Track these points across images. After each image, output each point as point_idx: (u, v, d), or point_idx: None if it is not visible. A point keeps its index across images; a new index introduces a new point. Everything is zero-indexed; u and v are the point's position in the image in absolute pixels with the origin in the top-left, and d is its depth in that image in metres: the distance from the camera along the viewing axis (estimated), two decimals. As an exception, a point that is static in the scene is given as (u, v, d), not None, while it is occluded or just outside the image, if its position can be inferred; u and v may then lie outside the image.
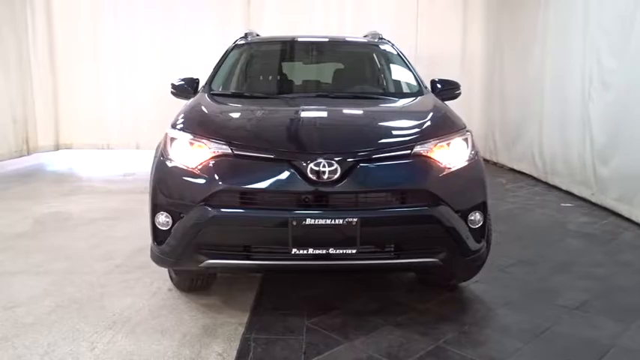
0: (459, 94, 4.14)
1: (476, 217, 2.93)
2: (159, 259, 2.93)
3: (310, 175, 2.63)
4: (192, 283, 3.33)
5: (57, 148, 9.46)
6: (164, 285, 3.52)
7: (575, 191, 6.26)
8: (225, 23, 8.83)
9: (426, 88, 3.91)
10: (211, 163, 2.75)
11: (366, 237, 2.65)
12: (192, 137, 2.88)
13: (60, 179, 7.56)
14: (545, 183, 7.04)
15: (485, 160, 9.00)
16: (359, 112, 3.40)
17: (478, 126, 9.35)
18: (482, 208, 2.95)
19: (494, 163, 8.84)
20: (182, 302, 3.33)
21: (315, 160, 2.64)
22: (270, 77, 4.37)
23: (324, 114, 3.33)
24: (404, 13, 9.26)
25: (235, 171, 2.72)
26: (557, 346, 2.82)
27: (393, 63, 4.26)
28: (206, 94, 3.68)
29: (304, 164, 2.64)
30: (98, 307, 3.26)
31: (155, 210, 2.86)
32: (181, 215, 2.75)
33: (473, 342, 2.84)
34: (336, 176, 2.63)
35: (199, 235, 2.71)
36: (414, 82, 3.97)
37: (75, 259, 4.12)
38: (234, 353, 2.70)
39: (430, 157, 2.82)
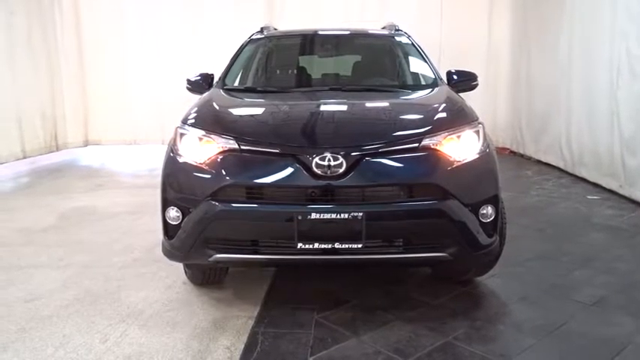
0: (476, 85, 4.06)
1: (487, 211, 2.87)
2: (170, 253, 2.96)
3: (316, 170, 2.62)
4: (205, 276, 3.36)
5: (86, 144, 9.67)
6: (179, 278, 3.57)
7: (603, 183, 6.08)
8: (247, 18, 8.85)
9: (441, 79, 3.84)
10: (219, 158, 2.77)
11: (372, 231, 2.63)
12: (200, 133, 2.91)
13: (88, 175, 7.74)
14: (573, 175, 6.86)
15: (511, 152, 8.96)
16: (369, 105, 3.36)
17: (504, 117, 9.20)
18: (494, 201, 2.89)
19: (521, 155, 8.66)
20: (195, 296, 3.37)
21: (321, 154, 2.62)
22: (285, 71, 4.36)
23: (334, 108, 3.31)
24: (428, 4, 9.12)
25: (242, 166, 2.73)
26: (571, 343, 2.75)
27: (408, 55, 4.20)
28: (219, 90, 3.70)
29: (310, 159, 2.63)
30: (114, 300, 3.33)
31: (165, 205, 2.90)
32: (190, 210, 2.78)
33: (483, 338, 2.79)
34: (341, 170, 2.62)
35: (207, 230, 2.73)
36: (429, 74, 3.91)
37: (95, 253, 4.21)
38: (242, 347, 2.72)
39: (439, 150, 2.77)
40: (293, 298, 3.30)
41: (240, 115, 3.10)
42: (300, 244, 2.63)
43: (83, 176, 7.60)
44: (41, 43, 8.53)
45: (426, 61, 4.02)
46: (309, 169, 2.62)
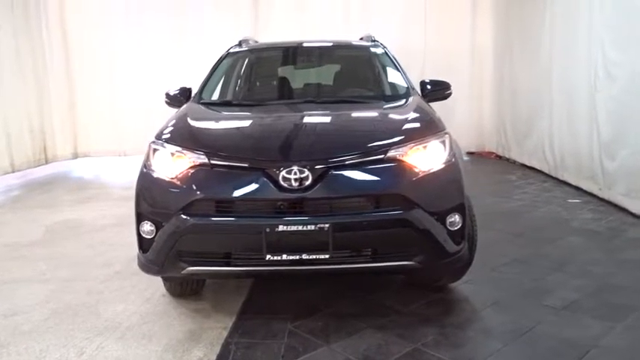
0: (450, 94, 4.14)
1: (454, 219, 2.93)
2: (145, 266, 3.02)
3: (282, 183, 2.68)
4: (183, 288, 3.41)
5: (75, 156, 9.71)
6: (157, 290, 3.61)
7: (584, 186, 6.16)
8: (233, 31, 8.91)
9: (413, 89, 3.91)
10: (190, 173, 2.83)
11: (339, 242, 2.69)
12: (173, 148, 2.97)
13: (76, 187, 7.78)
14: (556, 179, 6.94)
15: (497, 156, 9.04)
16: (339, 117, 3.43)
17: (490, 121, 9.30)
18: (461, 210, 2.95)
19: (507, 159, 8.74)
20: (173, 307, 3.42)
21: (288, 167, 2.69)
22: (261, 84, 4.44)
23: (304, 121, 3.38)
24: (412, 10, 9.21)
25: (211, 180, 2.79)
26: (538, 347, 2.80)
27: (382, 65, 4.27)
28: (194, 104, 3.77)
29: (277, 172, 2.70)
30: (92, 313, 3.37)
31: (139, 219, 2.95)
32: (163, 224, 2.84)
33: (452, 344, 2.85)
34: (307, 183, 2.68)
35: (179, 243, 2.79)
36: (402, 85, 3.98)
37: (78, 267, 4.26)
38: (214, 357, 2.77)
39: (404, 161, 2.84)
40: (268, 308, 3.35)
41: (212, 130, 3.16)
42: (268, 256, 2.69)
43: (72, 189, 7.65)
44: (28, 57, 8.58)
45: (399, 72, 4.09)
46: (276, 183, 2.69)
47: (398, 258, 2.83)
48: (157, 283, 3.63)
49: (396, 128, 3.09)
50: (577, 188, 6.31)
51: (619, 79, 5.34)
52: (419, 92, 4.00)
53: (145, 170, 2.99)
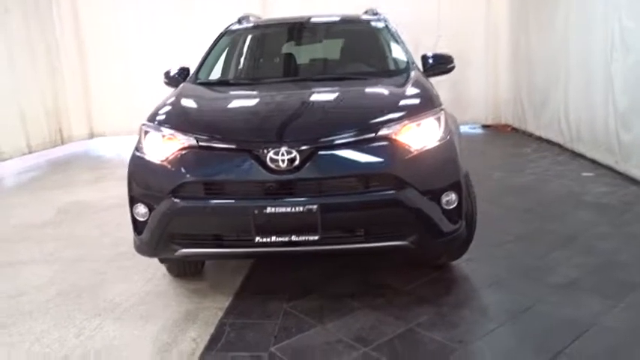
0: (453, 67, 4.02)
1: (450, 197, 2.87)
2: (139, 248, 3.04)
3: (270, 164, 2.65)
4: (181, 268, 3.44)
5: (91, 136, 9.82)
6: (159, 271, 3.64)
7: (600, 159, 5.99)
8: (243, 7, 8.80)
9: (414, 64, 3.81)
10: (179, 155, 2.81)
11: (328, 223, 2.66)
12: (163, 130, 2.95)
13: (90, 167, 7.89)
14: (571, 151, 6.76)
15: (513, 128, 8.84)
16: (331, 95, 3.36)
17: (506, 94, 9.08)
18: (456, 188, 2.88)
19: (523, 132, 8.54)
20: (172, 288, 3.46)
21: (275, 148, 2.65)
22: (257, 62, 4.38)
23: (296, 99, 3.32)
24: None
25: (200, 162, 2.77)
26: (534, 326, 2.75)
27: (382, 40, 4.17)
28: (190, 84, 3.74)
29: (264, 153, 2.66)
30: (94, 294, 3.43)
31: (132, 202, 2.96)
32: (154, 207, 2.84)
33: (447, 324, 2.82)
34: (295, 164, 2.64)
35: (170, 226, 2.79)
36: (402, 59, 3.88)
37: (85, 247, 4.33)
38: (208, 338, 2.79)
39: (396, 139, 2.77)
40: (266, 288, 3.36)
41: (202, 111, 3.13)
42: (257, 238, 2.68)
43: (86, 169, 7.76)
44: (40, 39, 8.65)
45: (400, 46, 3.98)
46: (264, 164, 2.66)
47: (391, 238, 2.79)
48: (158, 263, 3.66)
49: (389, 106, 3.02)
50: (593, 161, 6.14)
51: (635, 48, 5.13)
52: (420, 67, 3.89)
53: (136, 153, 2.99)
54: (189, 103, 3.25)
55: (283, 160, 2.64)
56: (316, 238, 2.66)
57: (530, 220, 4.40)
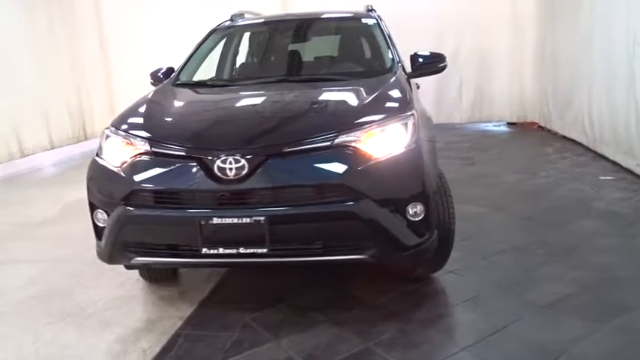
0: (444, 67, 3.80)
1: (416, 209, 2.68)
2: (99, 254, 2.98)
3: (218, 173, 2.53)
4: (152, 274, 3.38)
5: (114, 132, 9.94)
6: (134, 275, 3.58)
7: (621, 162, 5.61)
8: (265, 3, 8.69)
9: (399, 64, 3.60)
10: (133, 161, 2.73)
11: (277, 235, 2.52)
12: (121, 135, 2.88)
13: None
14: (594, 152, 6.38)
15: (540, 127, 8.42)
16: (297, 99, 3.20)
17: (532, 91, 8.67)
18: (422, 199, 2.69)
19: (549, 131, 8.14)
20: (142, 293, 3.41)
21: (223, 157, 2.54)
22: (239, 63, 4.26)
23: (258, 104, 3.20)
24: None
25: (150, 170, 2.68)
26: (499, 351, 2.55)
27: (369, 39, 3.99)
28: (166, 85, 3.66)
29: (212, 162, 2.55)
30: (67, 297, 3.40)
31: (91, 207, 2.91)
32: (109, 213, 2.78)
33: (407, 344, 2.64)
34: (243, 173, 2.52)
35: (122, 234, 2.72)
36: (387, 59, 3.68)
37: (75, 247, 4.31)
38: (158, 349, 2.71)
39: (355, 147, 2.60)
40: (233, 297, 3.27)
41: (161, 116, 3.03)
42: (204, 249, 2.57)
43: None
44: (63, 37, 8.78)
45: (387, 45, 3.78)
46: (211, 173, 2.54)
47: (347, 252, 2.63)
48: (134, 267, 3.63)
49: (354, 110, 2.84)
50: (614, 164, 5.77)
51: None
52: (406, 67, 3.69)
53: (95, 158, 2.93)
54: (153, 107, 3.16)
55: (231, 169, 2.51)
56: (264, 250, 2.53)
57: (532, 229, 4.14)
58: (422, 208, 2.69)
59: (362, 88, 3.16)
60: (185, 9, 9.33)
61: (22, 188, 6.70)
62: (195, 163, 2.59)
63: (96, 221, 2.92)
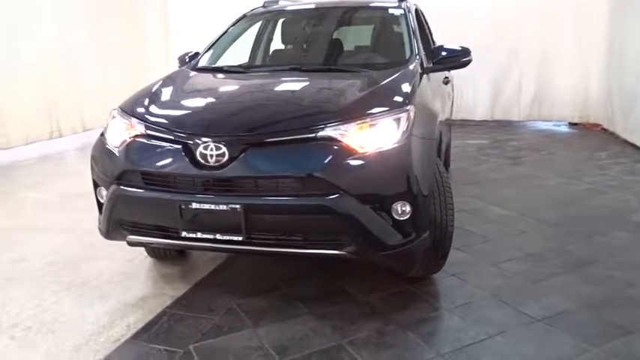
0: (468, 61, 3.63)
1: (402, 208, 2.60)
2: (99, 229, 3.10)
3: (199, 159, 2.57)
4: (155, 251, 3.49)
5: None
6: (144, 251, 3.72)
7: (679, 172, 5.17)
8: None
9: (417, 56, 3.47)
10: (129, 142, 2.82)
11: (254, 225, 2.53)
12: (124, 116, 2.97)
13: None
14: (654, 160, 5.92)
15: (603, 129, 7.90)
16: (295, 89, 3.16)
17: (596, 90, 8.13)
18: (409, 197, 2.60)
19: (612, 133, 7.62)
20: (146, 270, 3.53)
21: (205, 143, 2.56)
22: (260, 49, 4.27)
23: (256, 92, 3.19)
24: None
25: (142, 152, 2.75)
26: (475, 362, 2.44)
27: (393, 30, 3.86)
28: (185, 69, 3.73)
29: (195, 147, 2.59)
30: (78, 268, 3.58)
31: (94, 184, 3.03)
32: (106, 191, 2.89)
33: (381, 345, 2.58)
34: (224, 160, 2.53)
35: (115, 212, 2.82)
36: (406, 51, 3.56)
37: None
38: (141, 326, 2.81)
39: (340, 141, 2.54)
40: (228, 281, 3.32)
41: (163, 101, 3.08)
42: (184, 233, 2.62)
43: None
44: (127, 29, 9.11)
45: (410, 37, 3.64)
46: (194, 158, 2.58)
47: (325, 246, 2.59)
48: (145, 244, 3.75)
49: (346, 103, 2.77)
50: (673, 174, 5.33)
51: None
52: (426, 60, 3.55)
53: (100, 136, 3.05)
54: (159, 91, 3.22)
55: (212, 156, 2.54)
56: (240, 238, 2.55)
57: (554, 237, 3.90)
58: (409, 207, 2.61)
59: (365, 80, 3.08)
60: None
61: (75, 161, 7.11)
62: (181, 148, 2.63)
63: (98, 197, 3.05)
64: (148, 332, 2.75)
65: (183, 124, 2.76)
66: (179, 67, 4.11)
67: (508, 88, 8.63)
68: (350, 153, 2.53)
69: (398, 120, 2.66)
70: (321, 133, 2.57)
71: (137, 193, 2.72)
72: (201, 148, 2.56)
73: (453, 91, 5.60)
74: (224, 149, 2.53)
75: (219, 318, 2.86)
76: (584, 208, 4.56)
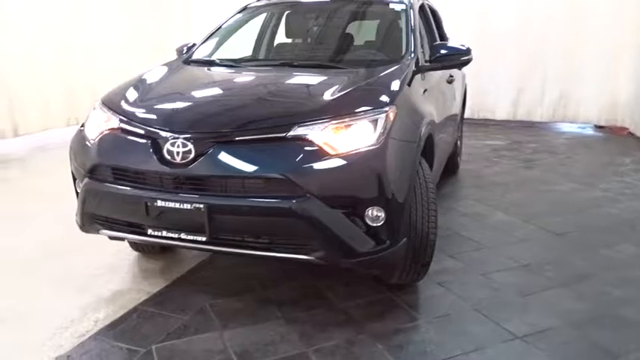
0: (467, 60, 3.47)
1: (375, 214, 2.49)
2: (76, 221, 3.07)
3: (166, 156, 2.50)
4: (137, 245, 3.46)
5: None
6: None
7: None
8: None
9: (412, 54, 3.33)
10: (104, 136, 2.78)
11: (217, 225, 2.46)
12: (102, 108, 2.93)
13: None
14: (678, 167, 5.62)
15: (629, 133, 7.58)
16: (275, 85, 3.06)
17: (626, 93, 7.80)
18: (383, 203, 2.48)
19: (638, 138, 7.29)
20: (130, 264, 3.50)
21: (172, 140, 2.50)
22: (255, 43, 4.17)
23: (233, 88, 3.12)
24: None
25: (113, 145, 2.71)
26: (441, 379, 2.32)
27: (392, 26, 3.71)
28: (176, 62, 3.68)
29: (163, 143, 2.52)
30: (65, 259, 3.54)
31: (72, 176, 3.01)
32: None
33: (346, 355, 2.47)
34: (190, 157, 2.46)
35: (86, 205, 2.79)
36: (402, 49, 3.41)
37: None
38: (109, 322, 2.77)
39: (310, 141, 2.44)
40: (207, 280, 3.26)
41: (142, 94, 3.00)
42: (150, 230, 2.57)
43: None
44: (154, 25, 9.18)
45: (408, 34, 3.49)
46: (162, 154, 2.52)
47: (292, 250, 2.50)
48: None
49: (322, 102, 2.65)
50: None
51: None
52: (421, 57, 3.41)
53: (80, 128, 3.02)
54: (143, 83, 3.16)
55: (178, 153, 2.47)
56: (204, 239, 2.48)
57: (554, 247, 3.72)
58: (382, 213, 2.50)
59: (351, 78, 2.96)
60: None
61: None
62: (150, 144, 2.57)
63: (77, 189, 3.01)
64: (114, 329, 2.71)
65: (154, 119, 2.70)
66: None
67: (531, 88, 8.34)
68: (320, 154, 2.43)
69: (375, 121, 2.54)
70: (291, 133, 2.47)
71: (107, 188, 2.67)
72: (168, 145, 2.50)
73: (464, 90, 5.42)
74: (190, 146, 2.46)
75: (189, 318, 2.81)
76: (593, 216, 4.34)
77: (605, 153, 6.72)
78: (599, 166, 6.02)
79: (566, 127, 8.47)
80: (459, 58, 3.45)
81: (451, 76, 4.24)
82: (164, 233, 2.55)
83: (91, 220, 2.85)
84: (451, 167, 5.41)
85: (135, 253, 3.62)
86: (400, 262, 2.78)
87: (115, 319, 2.80)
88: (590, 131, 8.26)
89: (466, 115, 8.49)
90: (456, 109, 4.69)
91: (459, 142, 5.50)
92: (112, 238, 3.02)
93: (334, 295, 3.04)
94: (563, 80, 8.12)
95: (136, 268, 3.45)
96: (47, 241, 3.88)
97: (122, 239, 3.00)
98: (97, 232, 2.90)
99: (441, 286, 3.14)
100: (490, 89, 8.46)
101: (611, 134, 7.94)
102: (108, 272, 3.38)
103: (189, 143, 2.46)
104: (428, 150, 3.14)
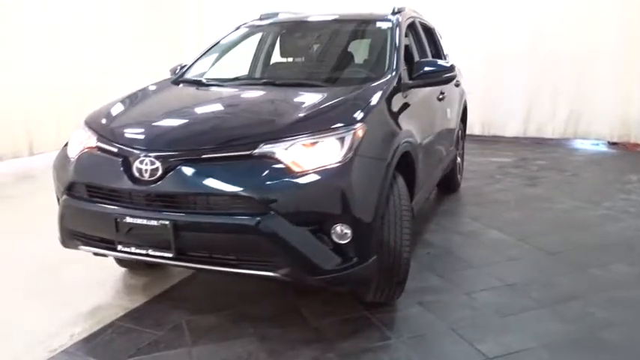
0: (449, 77, 3.48)
1: (342, 231, 2.48)
2: (59, 237, 3.13)
3: (135, 173, 2.55)
4: (122, 261, 3.51)
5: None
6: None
7: None
8: None
9: (393, 71, 3.33)
10: (81, 154, 2.85)
11: (183, 242, 2.48)
12: (84, 127, 3.00)
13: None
14: (688, 186, 5.45)
15: (644, 148, 7.39)
16: (246, 104, 3.12)
17: (638, 109, 7.61)
18: (349, 221, 2.48)
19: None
20: (115, 279, 3.54)
21: (141, 157, 2.55)
22: (251, 63, 4.23)
23: (206, 107, 3.18)
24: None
25: (89, 163, 2.77)
26: (403, 401, 2.28)
27: (377, 44, 3.74)
28: (164, 81, 3.75)
29: (133, 161, 2.57)
30: (56, 274, 3.60)
31: (55, 194, 3.08)
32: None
33: (312, 374, 2.47)
34: (158, 175, 2.50)
35: (64, 222, 2.85)
36: (384, 66, 3.41)
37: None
38: (84, 336, 2.81)
39: (275, 159, 2.46)
40: (186, 296, 3.28)
41: (122, 114, 3.07)
42: (119, 246, 2.61)
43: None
44: (164, 32, 9.40)
45: (392, 52, 3.50)
46: (131, 172, 2.57)
47: (258, 267, 2.51)
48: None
49: (290, 119, 2.66)
50: None
51: None
52: (405, 74, 3.41)
53: (64, 146, 3.09)
54: (124, 103, 3.23)
55: (147, 170, 2.52)
56: (170, 255, 2.51)
57: (545, 267, 3.64)
58: (349, 231, 2.49)
59: (326, 95, 2.98)
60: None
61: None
62: (120, 162, 2.63)
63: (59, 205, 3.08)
64: (88, 344, 2.75)
65: (126, 137, 2.76)
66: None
67: (541, 104, 8.23)
68: (285, 172, 2.44)
69: (342, 139, 2.54)
70: (257, 151, 2.49)
71: (81, 205, 2.73)
72: (137, 162, 2.55)
73: (462, 106, 5.38)
74: (158, 164, 2.50)
75: (163, 334, 2.83)
76: (592, 235, 4.24)
77: (614, 170, 6.57)
78: (605, 184, 5.89)
79: (579, 144, 8.32)
80: (441, 75, 3.44)
81: (442, 92, 4.22)
82: (133, 249, 2.59)
83: (69, 236, 2.91)
84: (451, 185, 5.36)
85: (122, 269, 3.67)
86: (372, 279, 2.76)
87: (91, 334, 2.84)
88: (603, 148, 8.09)
89: (476, 133, 8.50)
90: (449, 126, 4.65)
91: (458, 160, 5.45)
92: (95, 254, 3.08)
93: (310, 313, 3.03)
94: (575, 95, 8.00)
95: (120, 283, 3.49)
96: (44, 255, 3.93)
97: (105, 255, 3.04)
98: (76, 247, 2.95)
99: (421, 305, 3.10)
100: (500, 105, 8.39)
101: (625, 150, 7.77)
102: (92, 287, 3.43)
103: (157, 161, 2.51)
104: (408, 167, 3.12)
